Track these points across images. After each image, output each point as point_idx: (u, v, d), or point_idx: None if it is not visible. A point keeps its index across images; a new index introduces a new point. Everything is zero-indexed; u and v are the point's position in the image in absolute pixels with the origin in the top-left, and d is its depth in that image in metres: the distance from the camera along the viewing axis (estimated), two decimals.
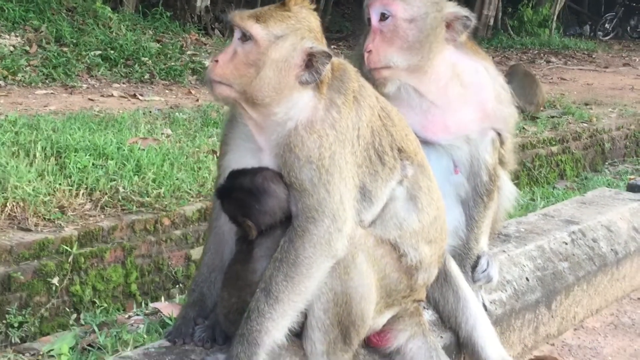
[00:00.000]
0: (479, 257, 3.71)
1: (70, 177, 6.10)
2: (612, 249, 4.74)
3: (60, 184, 5.95)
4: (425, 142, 3.45)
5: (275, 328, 2.71)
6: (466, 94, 3.63)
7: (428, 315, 3.45)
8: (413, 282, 3.01)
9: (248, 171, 2.84)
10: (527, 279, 4.08)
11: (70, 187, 5.97)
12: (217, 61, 2.78)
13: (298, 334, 2.85)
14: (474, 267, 3.68)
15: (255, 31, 2.75)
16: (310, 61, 2.77)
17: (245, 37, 2.77)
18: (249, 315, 2.71)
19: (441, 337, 3.46)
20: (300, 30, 2.80)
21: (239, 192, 2.84)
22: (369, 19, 3.53)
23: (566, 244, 4.51)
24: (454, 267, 3.53)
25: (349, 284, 2.79)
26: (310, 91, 2.81)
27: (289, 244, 2.73)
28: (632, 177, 8.92)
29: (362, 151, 2.85)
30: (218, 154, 3.22)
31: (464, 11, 3.59)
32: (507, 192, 4.02)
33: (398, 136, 2.99)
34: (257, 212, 2.81)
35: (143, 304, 5.44)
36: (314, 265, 2.72)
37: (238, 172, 2.86)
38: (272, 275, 2.72)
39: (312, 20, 2.85)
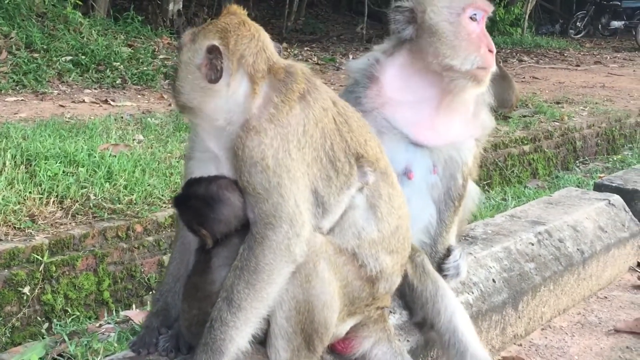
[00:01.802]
0: (450, 250, 3.77)
1: (40, 185, 6.07)
2: (578, 249, 4.80)
3: (30, 193, 5.92)
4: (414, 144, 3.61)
5: (238, 336, 2.72)
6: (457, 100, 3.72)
7: (394, 319, 3.48)
8: (375, 290, 3.02)
9: (203, 180, 2.86)
10: (493, 281, 4.13)
11: (41, 196, 5.94)
12: None
13: (262, 342, 2.87)
14: (443, 260, 3.74)
15: (181, 40, 2.91)
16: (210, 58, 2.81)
17: None
18: (212, 324, 2.72)
19: (407, 340, 3.49)
20: (210, 32, 2.85)
21: (194, 201, 2.86)
22: (472, 19, 3.60)
23: (532, 244, 4.56)
24: (429, 265, 3.59)
25: (311, 292, 2.80)
26: (243, 92, 2.83)
27: (249, 252, 2.74)
28: (601, 175, 9.01)
29: (311, 150, 2.85)
30: (184, 161, 3.26)
31: None
32: (472, 193, 4.08)
33: (355, 142, 2.98)
34: (212, 220, 2.83)
35: (115, 312, 5.44)
36: (274, 271, 2.73)
37: (194, 180, 2.89)
38: (233, 283, 2.73)
39: (232, 22, 2.89)
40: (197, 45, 2.84)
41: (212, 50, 2.79)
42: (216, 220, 2.84)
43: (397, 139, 3.52)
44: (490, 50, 3.56)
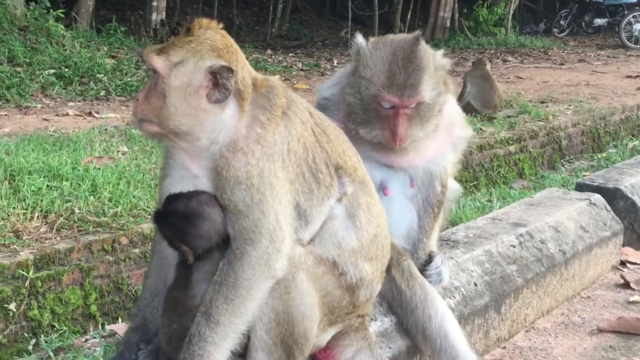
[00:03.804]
0: (431, 257, 3.79)
1: (24, 200, 6.06)
2: (560, 249, 4.83)
3: (14, 208, 5.91)
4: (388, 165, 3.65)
5: (217, 351, 2.73)
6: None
7: (375, 326, 3.49)
8: (355, 298, 3.04)
9: (184, 195, 2.86)
10: (475, 284, 4.15)
11: (25, 211, 5.93)
12: (137, 100, 2.81)
13: (242, 355, 2.88)
14: (425, 266, 3.76)
15: (156, 63, 2.77)
16: (216, 79, 2.77)
17: (154, 71, 2.80)
18: (191, 339, 2.73)
19: (389, 347, 3.51)
20: (201, 51, 2.80)
21: (174, 217, 2.86)
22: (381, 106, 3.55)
23: (514, 247, 4.58)
24: (415, 269, 3.61)
25: (291, 303, 2.82)
26: (231, 111, 2.82)
27: (228, 267, 2.75)
28: (586, 173, 9.05)
29: (294, 167, 2.86)
30: (158, 179, 3.25)
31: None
32: (451, 189, 4.09)
33: (334, 153, 3.00)
34: (193, 236, 2.83)
35: (101, 325, 5.43)
36: (254, 287, 2.74)
37: (174, 196, 2.88)
38: (212, 298, 2.74)
39: (217, 39, 2.85)
40: (190, 67, 2.77)
41: (220, 71, 2.76)
42: (197, 235, 2.85)
43: (370, 161, 3.52)
44: (393, 134, 3.53)
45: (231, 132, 2.80)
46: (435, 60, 3.62)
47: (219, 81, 2.77)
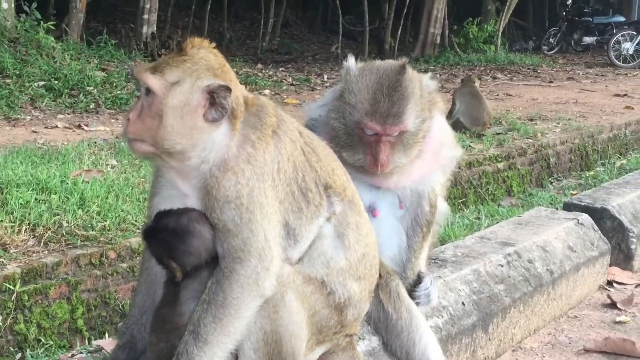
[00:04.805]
0: (420, 277, 3.79)
1: (12, 213, 6.04)
2: (547, 269, 4.84)
3: (1, 221, 5.89)
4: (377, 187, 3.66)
5: None
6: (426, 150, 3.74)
7: (363, 345, 3.50)
8: (343, 317, 3.05)
9: (174, 212, 2.86)
10: (463, 304, 4.16)
11: (12, 224, 5.91)
12: (129, 119, 2.81)
13: None
14: (414, 287, 3.77)
15: (151, 82, 2.76)
16: (213, 98, 2.78)
17: (148, 90, 2.79)
18: (178, 358, 2.73)
19: None
20: (197, 71, 2.80)
21: (164, 233, 2.85)
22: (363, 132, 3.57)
23: (502, 266, 4.60)
24: (403, 291, 3.62)
25: (279, 323, 2.82)
26: (223, 130, 2.82)
27: (217, 285, 2.75)
28: (574, 192, 9.08)
29: (284, 186, 2.86)
30: (148, 197, 3.24)
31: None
32: (440, 212, 4.10)
33: (324, 172, 3.01)
34: (182, 253, 2.83)
35: (88, 340, 5.41)
36: (242, 306, 2.74)
37: (164, 213, 2.88)
38: (200, 317, 2.74)
39: (211, 58, 2.86)
40: (188, 87, 2.77)
41: (218, 90, 2.77)
42: (186, 253, 2.85)
43: (358, 182, 3.52)
44: (375, 160, 3.55)
45: (222, 151, 2.81)
46: (421, 86, 3.63)
47: (216, 100, 2.78)
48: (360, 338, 3.48)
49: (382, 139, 3.51)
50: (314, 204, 2.94)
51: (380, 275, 3.40)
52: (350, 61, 3.67)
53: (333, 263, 2.98)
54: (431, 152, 3.73)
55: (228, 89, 2.78)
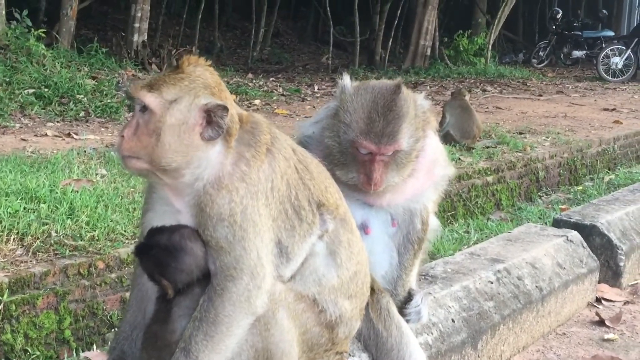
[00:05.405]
0: (411, 294, 3.80)
1: (0, 222, 6.02)
2: (537, 286, 4.85)
3: None
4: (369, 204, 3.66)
5: None
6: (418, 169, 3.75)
7: None
8: (334, 335, 3.05)
9: (166, 229, 2.85)
10: (452, 320, 4.16)
11: (1, 233, 5.88)
12: (123, 136, 2.81)
13: None
14: (404, 304, 3.77)
15: (149, 100, 2.77)
16: (210, 117, 2.79)
17: (144, 107, 2.79)
18: None
19: None
20: (195, 89, 2.81)
21: (156, 250, 2.85)
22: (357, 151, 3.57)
23: (491, 283, 4.60)
24: (394, 308, 3.62)
25: (270, 340, 2.82)
26: (218, 148, 2.83)
27: (209, 303, 2.75)
28: (563, 207, 9.11)
29: (277, 204, 2.87)
30: (141, 213, 3.23)
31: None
32: (431, 229, 4.11)
33: (317, 190, 3.02)
34: (174, 270, 2.83)
35: (75, 351, 5.39)
36: (234, 324, 2.74)
37: (156, 229, 2.88)
38: (191, 334, 2.74)
39: (208, 77, 2.87)
40: (186, 105, 2.78)
41: (215, 109, 2.78)
42: (178, 270, 2.84)
43: (351, 200, 3.53)
44: (369, 179, 3.55)
45: (216, 169, 2.82)
46: (416, 105, 3.65)
47: (213, 119, 2.79)
48: (350, 355, 3.48)
49: (376, 158, 3.52)
50: (307, 222, 2.94)
51: (371, 292, 3.40)
52: (346, 80, 3.68)
53: (325, 281, 2.98)
54: (424, 171, 3.73)
55: (225, 109, 2.80)
